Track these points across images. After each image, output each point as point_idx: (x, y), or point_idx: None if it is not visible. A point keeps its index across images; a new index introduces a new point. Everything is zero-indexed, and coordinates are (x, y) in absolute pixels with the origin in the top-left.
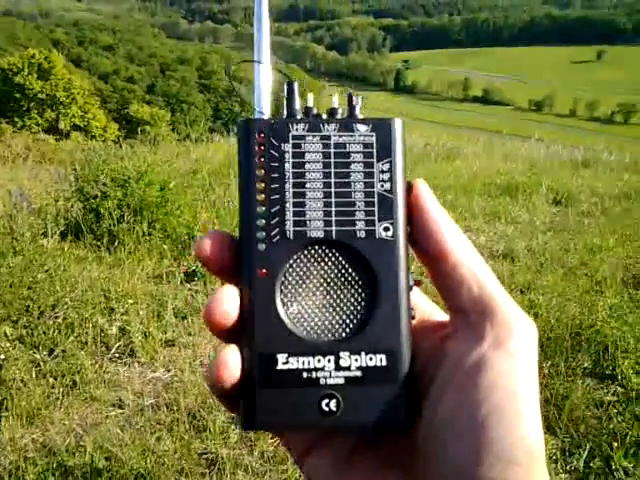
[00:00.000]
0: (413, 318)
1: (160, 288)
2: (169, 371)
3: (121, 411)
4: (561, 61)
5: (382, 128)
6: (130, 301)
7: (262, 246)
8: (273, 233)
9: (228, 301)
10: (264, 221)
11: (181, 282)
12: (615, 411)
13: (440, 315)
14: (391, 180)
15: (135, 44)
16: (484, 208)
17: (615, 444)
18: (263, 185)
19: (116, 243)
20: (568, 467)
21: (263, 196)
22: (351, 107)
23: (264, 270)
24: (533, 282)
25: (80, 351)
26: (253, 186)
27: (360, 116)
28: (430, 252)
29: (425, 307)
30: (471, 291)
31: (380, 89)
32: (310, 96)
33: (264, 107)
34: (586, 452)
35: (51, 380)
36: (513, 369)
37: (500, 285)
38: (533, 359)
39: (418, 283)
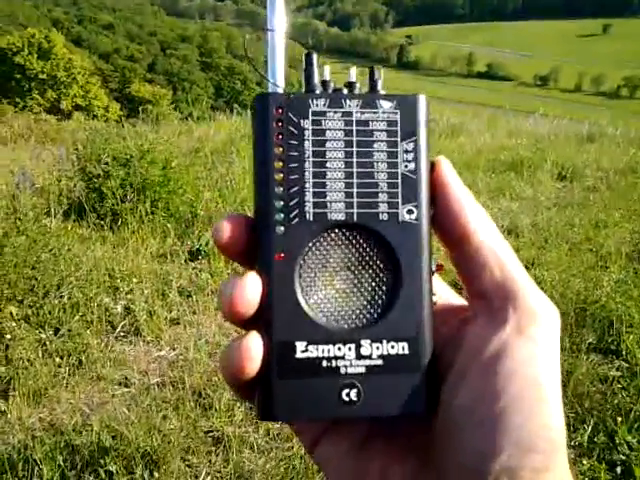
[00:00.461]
0: (435, 304)
1: (164, 267)
2: (174, 349)
3: (127, 390)
4: (566, 35)
5: (407, 105)
6: (135, 280)
7: (280, 229)
8: (292, 215)
9: (251, 290)
10: (282, 202)
11: (185, 261)
12: (619, 386)
13: (456, 299)
14: (415, 160)
15: (135, 22)
16: (488, 184)
17: (619, 419)
18: (281, 164)
19: (119, 222)
20: (572, 442)
21: (281, 176)
22: (373, 82)
23: (282, 254)
24: (538, 258)
25: (85, 330)
26: (271, 165)
27: (382, 91)
28: (452, 233)
29: (441, 291)
30: (493, 275)
31: (383, 65)
32: (327, 68)
33: (279, 79)
34: (590, 427)
35: (57, 359)
36: (535, 356)
37: (524, 269)
38: (555, 346)
39: (440, 267)
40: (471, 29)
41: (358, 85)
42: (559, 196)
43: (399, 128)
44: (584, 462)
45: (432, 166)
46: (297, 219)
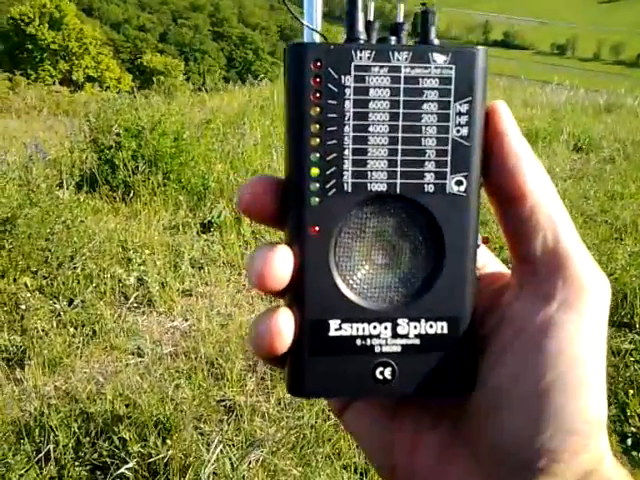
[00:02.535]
0: (478, 279)
1: (176, 239)
2: (187, 320)
3: (140, 359)
4: (586, 1)
5: (464, 60)
6: (147, 252)
7: (315, 200)
8: (328, 185)
9: (282, 265)
10: (318, 170)
11: (197, 233)
12: (632, 359)
13: (494, 264)
14: (469, 124)
15: None
16: None
17: (631, 392)
18: (318, 127)
19: (131, 194)
20: None
21: (318, 140)
22: (426, 28)
23: (317, 228)
24: None
25: (99, 301)
26: (307, 128)
27: (436, 41)
28: (506, 191)
29: (480, 257)
30: (546, 241)
31: None
32: (372, 5)
33: (316, 24)
34: None
35: (71, 329)
36: (581, 333)
37: (577, 235)
38: (603, 322)
39: (485, 241)
40: None
41: (406, 27)
42: (574, 168)
43: (453, 87)
44: None
45: (486, 113)
46: (334, 190)
